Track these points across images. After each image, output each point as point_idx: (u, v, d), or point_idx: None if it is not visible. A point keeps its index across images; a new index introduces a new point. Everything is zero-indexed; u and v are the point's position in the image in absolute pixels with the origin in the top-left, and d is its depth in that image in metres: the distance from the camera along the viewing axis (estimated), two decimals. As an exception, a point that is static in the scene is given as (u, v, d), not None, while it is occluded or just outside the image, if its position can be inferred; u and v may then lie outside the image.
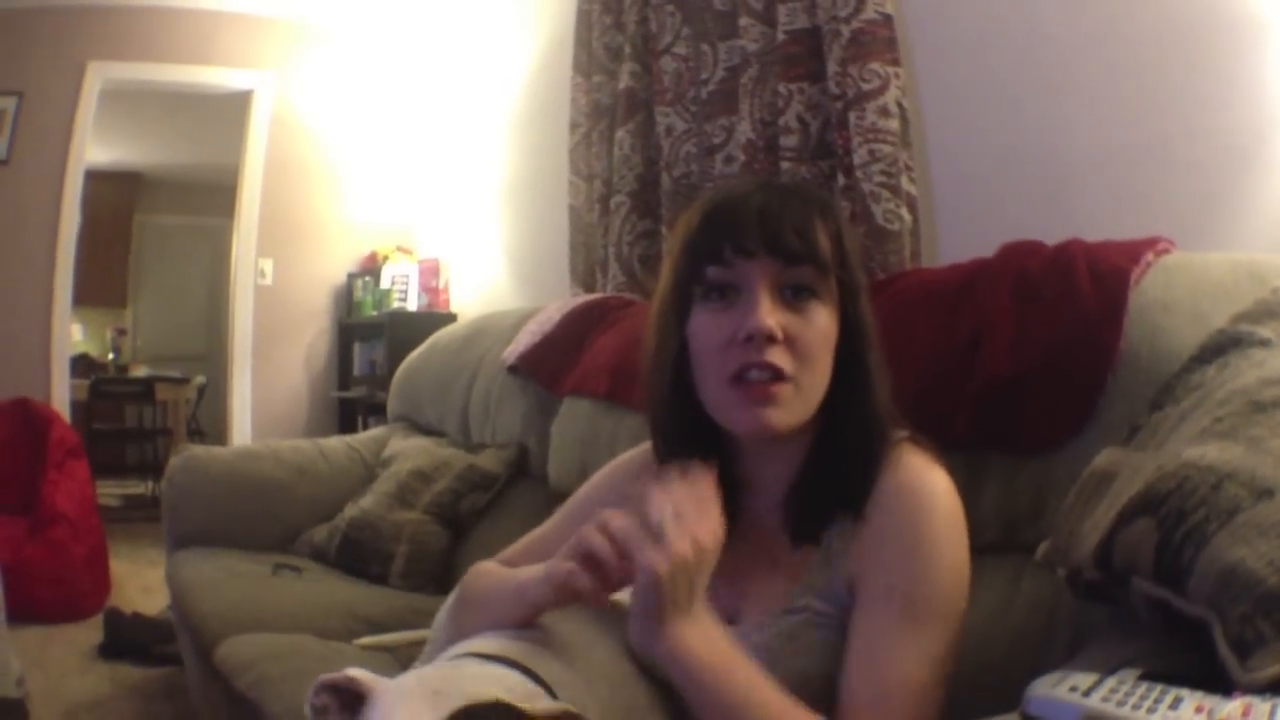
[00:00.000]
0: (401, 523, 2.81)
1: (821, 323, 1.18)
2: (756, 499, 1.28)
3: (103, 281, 9.48)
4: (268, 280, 5.90)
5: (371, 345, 5.67)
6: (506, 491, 2.93)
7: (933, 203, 2.51)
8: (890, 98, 2.42)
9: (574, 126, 3.67)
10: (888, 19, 2.45)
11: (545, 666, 1.11)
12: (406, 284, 5.47)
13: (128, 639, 3.73)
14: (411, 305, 5.42)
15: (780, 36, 2.63)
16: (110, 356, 9.53)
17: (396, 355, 4.25)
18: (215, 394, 8.04)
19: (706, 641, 1.07)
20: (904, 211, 2.39)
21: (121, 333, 9.87)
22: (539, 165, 4.40)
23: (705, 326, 1.20)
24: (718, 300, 1.19)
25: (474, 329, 3.56)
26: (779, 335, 1.14)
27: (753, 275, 1.17)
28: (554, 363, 2.86)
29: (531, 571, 1.24)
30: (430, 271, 5.43)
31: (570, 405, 2.71)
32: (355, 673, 1.04)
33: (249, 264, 5.88)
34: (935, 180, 2.51)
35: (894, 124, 2.41)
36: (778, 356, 1.14)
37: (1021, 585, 1.51)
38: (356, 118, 6.00)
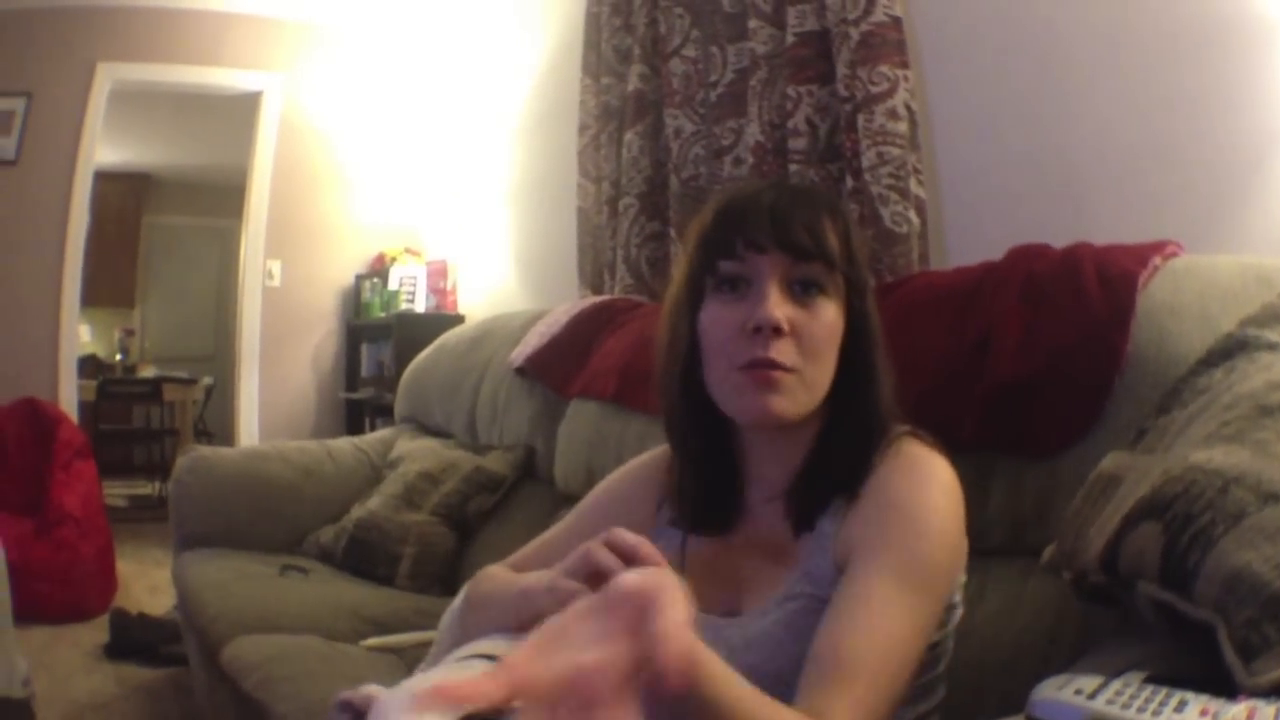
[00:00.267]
0: (408, 524, 2.81)
1: (828, 318, 1.20)
2: (758, 492, 1.29)
3: (111, 282, 9.50)
4: (276, 281, 5.91)
5: (379, 346, 5.68)
6: (513, 493, 2.93)
7: (941, 206, 2.51)
8: (899, 100, 2.42)
9: (582, 128, 3.67)
10: (897, 21, 2.45)
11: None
12: (414, 285, 5.47)
13: (134, 639, 3.73)
14: (419, 307, 5.42)
15: (789, 39, 2.63)
16: (118, 357, 9.55)
17: (404, 357, 4.25)
18: (223, 395, 8.05)
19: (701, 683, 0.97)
20: (912, 214, 2.39)
21: (129, 333, 9.90)
22: (547, 167, 4.41)
23: (715, 316, 1.22)
24: (729, 293, 1.21)
25: (482, 331, 3.56)
26: (785, 327, 1.16)
27: (763, 269, 1.19)
28: (561, 365, 2.86)
29: (536, 578, 1.24)
30: (438, 273, 5.43)
31: (578, 407, 2.71)
32: (374, 689, 1.04)
33: (257, 265, 5.89)
34: (943, 183, 2.51)
35: (903, 126, 2.41)
36: (784, 351, 1.16)
37: (1028, 588, 1.51)
38: (365, 119, 6.00)
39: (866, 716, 1.03)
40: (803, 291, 1.19)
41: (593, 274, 3.58)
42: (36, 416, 4.96)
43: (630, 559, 0.97)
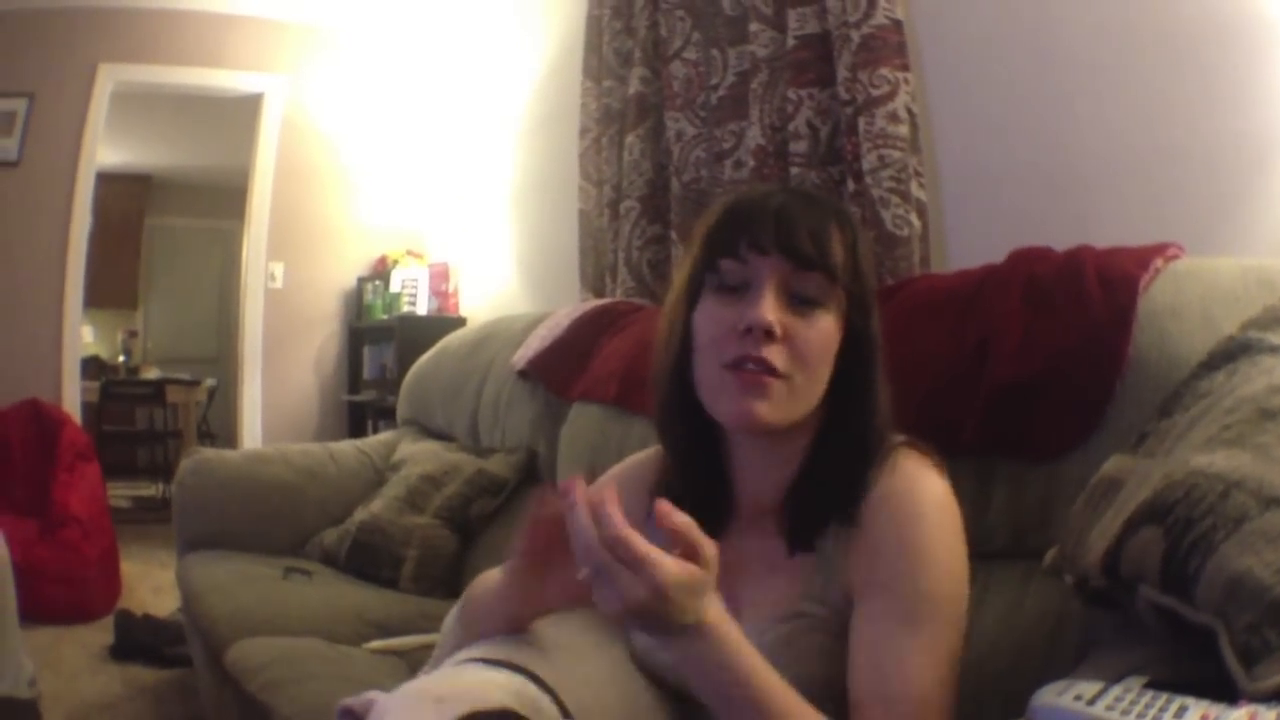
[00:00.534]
0: (411, 527, 2.81)
1: (824, 328, 1.19)
2: (752, 501, 1.29)
3: (113, 283, 9.50)
4: (278, 283, 5.92)
5: (381, 349, 5.68)
6: (516, 496, 2.93)
7: (942, 208, 2.51)
8: (900, 103, 2.42)
9: (584, 131, 3.67)
10: (898, 24, 2.45)
11: (550, 671, 1.12)
12: (416, 288, 5.48)
13: (139, 640, 3.74)
14: (421, 309, 5.43)
15: (790, 42, 2.63)
16: (121, 359, 9.56)
17: (406, 359, 4.25)
18: (226, 397, 8.05)
19: (703, 658, 1.02)
20: (913, 217, 2.39)
21: (132, 335, 9.90)
22: (549, 170, 4.41)
23: (710, 313, 1.22)
24: (728, 293, 1.21)
25: (483, 333, 3.56)
26: (778, 331, 1.15)
27: (763, 272, 1.18)
28: (563, 368, 2.87)
29: (503, 576, 1.26)
30: (440, 275, 5.44)
31: (579, 410, 2.71)
32: (375, 695, 1.05)
33: (259, 267, 5.89)
34: (945, 186, 2.51)
35: (903, 129, 2.41)
36: (774, 354, 1.16)
37: (1029, 592, 1.51)
38: (367, 122, 6.01)
39: None
40: (801, 302, 1.19)
41: (594, 277, 3.58)
42: (40, 418, 4.96)
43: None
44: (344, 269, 6.02)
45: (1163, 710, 0.79)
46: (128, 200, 9.78)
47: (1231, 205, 1.97)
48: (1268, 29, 1.90)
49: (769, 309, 1.16)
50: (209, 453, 3.25)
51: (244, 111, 6.08)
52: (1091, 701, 0.83)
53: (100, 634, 3.95)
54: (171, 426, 8.47)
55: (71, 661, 3.67)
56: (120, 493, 7.60)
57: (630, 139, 3.30)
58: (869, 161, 2.42)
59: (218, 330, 10.33)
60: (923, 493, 1.17)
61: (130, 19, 5.66)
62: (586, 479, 1.05)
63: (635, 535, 0.96)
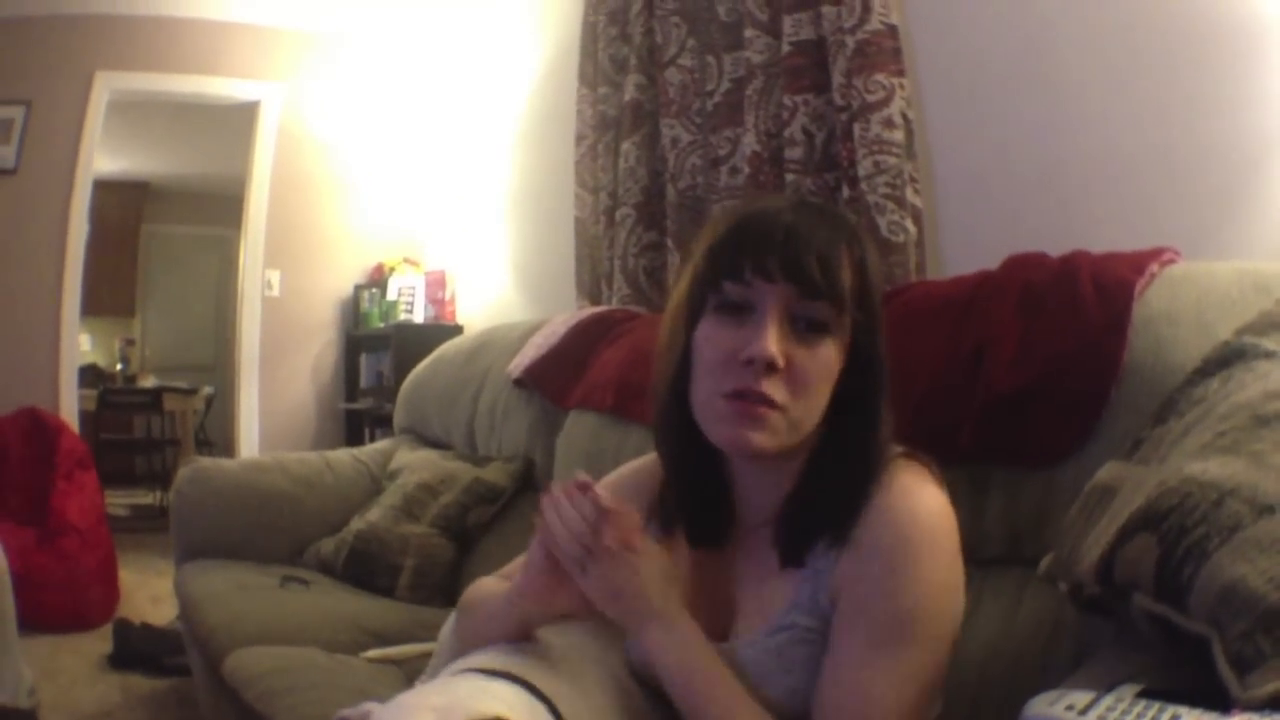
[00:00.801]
0: (408, 536, 2.81)
1: (826, 357, 1.16)
2: (749, 513, 1.28)
3: (111, 291, 9.51)
4: (275, 291, 5.91)
5: (378, 357, 5.68)
6: (513, 504, 2.93)
7: (937, 214, 2.51)
8: (895, 109, 2.42)
9: (579, 138, 3.67)
10: (893, 30, 2.45)
11: (546, 681, 1.12)
12: (413, 296, 5.48)
13: (137, 649, 3.73)
14: (418, 317, 5.43)
15: (785, 48, 2.64)
16: (118, 367, 9.56)
17: (403, 367, 4.25)
18: (223, 405, 8.05)
19: (678, 646, 1.15)
20: (909, 223, 2.39)
21: (129, 343, 9.91)
22: (545, 177, 4.41)
23: (711, 338, 1.19)
24: (729, 314, 1.18)
25: (480, 341, 3.56)
26: (780, 364, 1.12)
27: (767, 298, 1.15)
28: (560, 376, 2.86)
29: (514, 585, 1.26)
30: (436, 283, 5.44)
31: (576, 418, 2.71)
32: (372, 707, 1.05)
33: (256, 275, 5.89)
34: (940, 192, 2.51)
35: (899, 135, 2.41)
36: (774, 387, 1.13)
37: (1024, 599, 1.50)
38: (363, 129, 6.01)
39: None
40: (806, 327, 1.16)
41: (590, 284, 3.58)
42: (38, 426, 4.96)
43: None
44: (341, 277, 6.02)
45: (1155, 720, 0.79)
46: (125, 208, 9.78)
47: (1227, 209, 1.97)
48: (1263, 32, 1.90)
49: (772, 341, 1.12)
50: (206, 462, 3.25)
51: (241, 119, 6.08)
52: (1084, 711, 0.82)
53: (98, 643, 3.95)
54: (169, 435, 8.47)
55: (70, 670, 3.66)
56: (118, 501, 7.59)
57: (626, 146, 3.30)
58: (864, 167, 2.42)
59: (215, 338, 10.32)
60: (916, 508, 1.14)
61: (127, 27, 5.66)
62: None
63: (622, 508, 1.16)
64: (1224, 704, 0.81)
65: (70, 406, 5.62)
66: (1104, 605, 1.09)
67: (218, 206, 9.45)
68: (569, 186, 3.75)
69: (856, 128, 2.45)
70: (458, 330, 5.10)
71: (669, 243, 3.14)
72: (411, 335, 5.09)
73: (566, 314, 3.21)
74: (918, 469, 1.19)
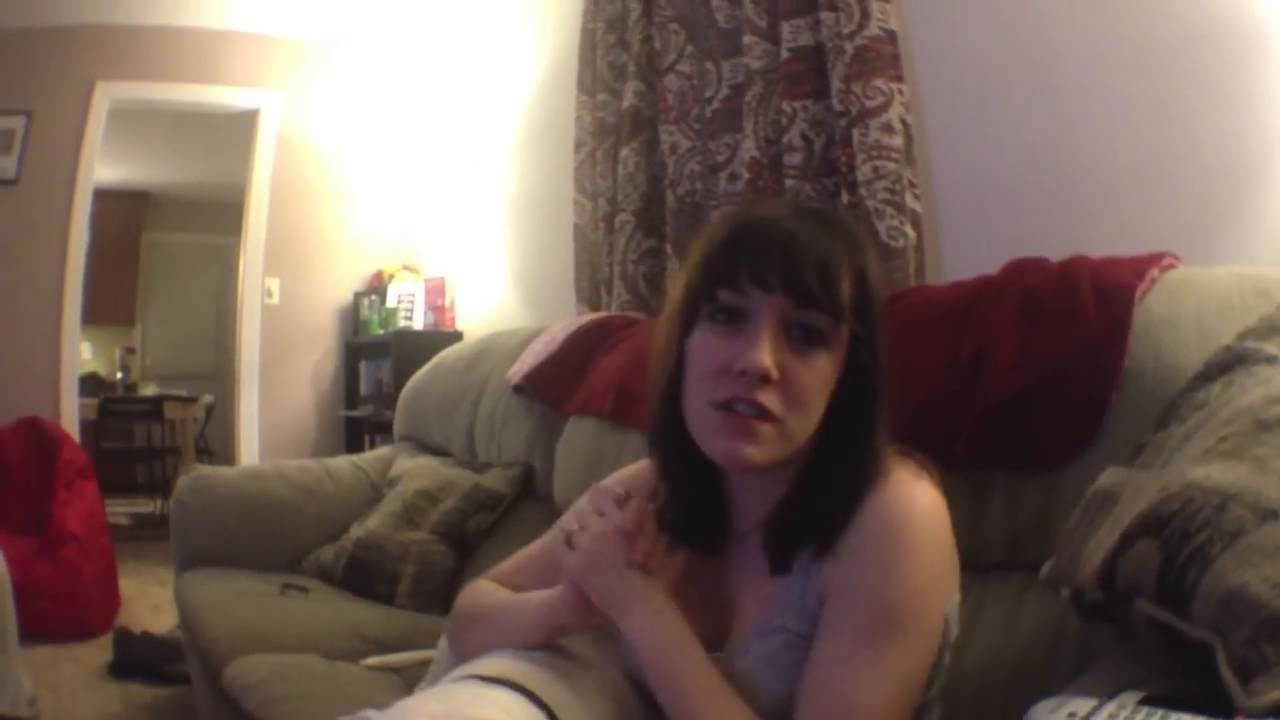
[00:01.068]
0: (408, 543, 2.81)
1: (821, 369, 1.14)
2: (742, 520, 1.27)
3: (111, 300, 9.51)
4: (274, 299, 5.91)
5: (378, 364, 5.67)
6: (512, 511, 2.92)
7: (937, 220, 2.50)
8: (894, 114, 2.42)
9: (579, 145, 3.67)
10: (891, 35, 2.45)
11: (546, 688, 1.12)
12: (413, 303, 5.47)
13: (137, 658, 3.73)
14: (417, 324, 5.42)
15: (784, 54, 2.64)
16: (119, 375, 9.55)
17: (403, 374, 4.24)
18: (223, 413, 8.04)
19: (657, 628, 1.16)
20: (908, 228, 2.39)
21: (130, 351, 9.89)
22: (544, 184, 4.41)
23: (704, 347, 1.16)
24: (724, 322, 1.15)
25: (479, 348, 3.56)
26: (775, 376, 1.10)
27: (763, 308, 1.12)
28: (559, 382, 2.86)
29: (545, 595, 1.25)
30: (436, 290, 5.43)
31: (575, 425, 2.71)
32: (370, 714, 1.05)
33: (256, 283, 5.89)
34: (939, 197, 2.51)
35: (898, 141, 2.41)
36: (768, 398, 1.11)
37: (1026, 604, 1.50)
38: (363, 137, 6.01)
39: None
40: (802, 338, 1.13)
41: (590, 290, 3.58)
42: (39, 435, 4.96)
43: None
44: (340, 284, 6.01)
45: (1157, 727, 0.79)
46: (125, 217, 9.79)
47: (1227, 214, 1.96)
48: (1261, 36, 1.90)
49: (766, 352, 1.10)
50: (206, 470, 3.24)
51: (240, 127, 6.08)
52: (1086, 718, 0.82)
53: (99, 652, 3.94)
54: (169, 443, 8.47)
55: (70, 680, 3.66)
56: (119, 510, 7.59)
57: (625, 152, 3.30)
58: (863, 173, 2.42)
59: (215, 346, 10.32)
60: (906, 503, 1.12)
61: (127, 37, 5.66)
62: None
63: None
64: (1227, 711, 0.81)
65: (71, 415, 5.62)
66: (1106, 612, 1.08)
67: (218, 215, 9.45)
68: (568, 193, 3.75)
69: (855, 133, 2.45)
70: (457, 337, 5.10)
71: (668, 249, 3.14)
72: (411, 342, 5.09)
73: (566, 320, 3.21)
74: (911, 466, 1.18)
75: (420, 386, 3.73)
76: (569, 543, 1.20)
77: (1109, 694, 0.88)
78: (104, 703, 3.43)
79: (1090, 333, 1.51)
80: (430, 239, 5.83)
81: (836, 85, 2.51)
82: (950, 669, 1.19)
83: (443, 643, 1.58)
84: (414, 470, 3.16)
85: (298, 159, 5.93)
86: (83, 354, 6.83)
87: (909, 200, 2.40)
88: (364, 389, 5.81)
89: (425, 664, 1.87)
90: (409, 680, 2.03)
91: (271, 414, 5.91)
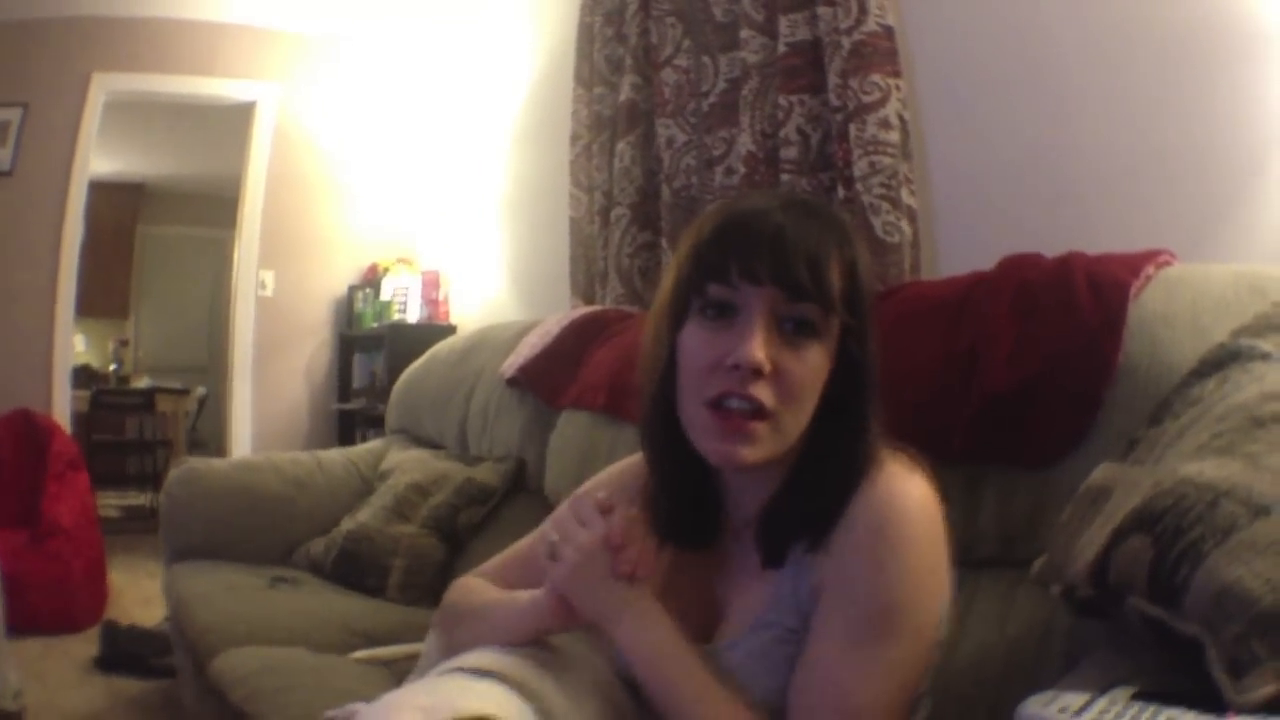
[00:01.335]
0: (398, 536, 2.80)
1: (813, 361, 1.13)
2: (734, 515, 1.26)
3: (105, 292, 9.51)
4: (269, 292, 5.90)
5: (372, 357, 5.67)
6: (504, 505, 2.92)
7: (933, 215, 2.50)
8: (891, 110, 2.41)
9: (575, 138, 3.67)
10: (889, 31, 2.44)
11: (534, 682, 1.11)
12: (407, 296, 5.46)
13: (124, 651, 3.72)
14: (412, 317, 5.41)
15: (781, 48, 2.63)
16: (112, 367, 9.54)
17: (396, 367, 4.24)
18: (216, 405, 8.04)
19: (650, 637, 1.14)
20: (904, 224, 2.38)
21: (123, 343, 9.89)
22: (540, 177, 4.40)
23: (695, 342, 1.16)
24: (714, 317, 1.15)
25: (473, 341, 3.55)
26: (767, 369, 1.10)
27: (753, 301, 1.12)
28: (553, 375, 2.86)
29: (530, 596, 1.24)
30: (431, 283, 5.43)
31: (568, 418, 2.70)
32: (358, 707, 1.04)
33: (250, 275, 5.88)
34: (935, 193, 2.50)
35: (894, 136, 2.41)
36: (761, 391, 1.10)
37: (1017, 600, 1.49)
38: (359, 130, 6.00)
39: None
40: (793, 330, 1.12)
41: (585, 284, 3.57)
42: (30, 428, 4.95)
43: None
44: (335, 277, 6.01)
45: (1149, 722, 0.78)
46: (120, 209, 9.78)
47: (1223, 211, 1.96)
48: (1259, 34, 1.89)
49: (759, 346, 1.09)
50: (197, 462, 3.24)
51: (236, 120, 6.07)
52: (1078, 713, 0.82)
53: (86, 645, 3.94)
54: (161, 436, 8.45)
55: (57, 673, 3.65)
56: (110, 502, 7.59)
57: (621, 146, 3.29)
58: (860, 168, 2.42)
59: (209, 339, 10.32)
60: (898, 497, 1.11)
61: (123, 28, 5.66)
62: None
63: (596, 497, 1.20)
64: (1219, 707, 0.80)
65: (63, 407, 5.62)
66: (1097, 607, 1.08)
67: (213, 208, 9.45)
68: (564, 186, 3.74)
69: (852, 128, 2.44)
70: (451, 330, 5.10)
71: (663, 243, 3.13)
72: (405, 335, 5.09)
73: (560, 314, 3.20)
74: (904, 460, 1.17)
75: (413, 379, 3.72)
76: (551, 554, 1.18)
77: (1101, 689, 0.87)
78: (90, 696, 3.43)
79: (1085, 328, 1.51)
80: (425, 232, 5.82)
81: (833, 80, 2.50)
82: (941, 664, 1.18)
83: (431, 636, 1.58)
84: (406, 463, 3.16)
85: (293, 152, 5.92)
86: (76, 346, 6.82)
87: (905, 196, 2.40)
88: (357, 382, 5.80)
89: (414, 657, 1.86)
90: (398, 673, 2.02)
91: (265, 406, 5.91)
